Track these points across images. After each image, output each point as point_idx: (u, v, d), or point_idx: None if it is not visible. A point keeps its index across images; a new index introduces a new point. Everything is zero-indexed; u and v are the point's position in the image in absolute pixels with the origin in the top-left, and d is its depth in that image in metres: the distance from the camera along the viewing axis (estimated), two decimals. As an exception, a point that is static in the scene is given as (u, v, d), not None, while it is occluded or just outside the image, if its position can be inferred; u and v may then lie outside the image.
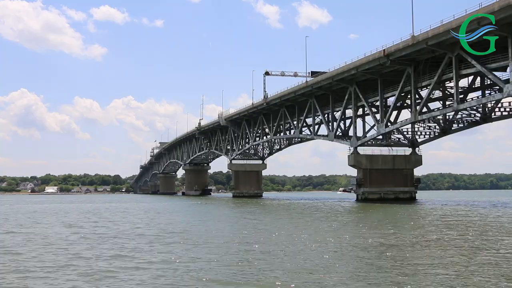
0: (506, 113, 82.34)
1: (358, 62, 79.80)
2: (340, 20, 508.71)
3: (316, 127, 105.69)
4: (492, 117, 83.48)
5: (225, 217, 53.00)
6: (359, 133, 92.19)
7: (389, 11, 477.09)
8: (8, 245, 27.78)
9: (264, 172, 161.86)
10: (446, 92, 78.05)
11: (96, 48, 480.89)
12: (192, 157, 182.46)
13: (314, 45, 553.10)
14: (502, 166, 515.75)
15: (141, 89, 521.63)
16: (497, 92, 70.00)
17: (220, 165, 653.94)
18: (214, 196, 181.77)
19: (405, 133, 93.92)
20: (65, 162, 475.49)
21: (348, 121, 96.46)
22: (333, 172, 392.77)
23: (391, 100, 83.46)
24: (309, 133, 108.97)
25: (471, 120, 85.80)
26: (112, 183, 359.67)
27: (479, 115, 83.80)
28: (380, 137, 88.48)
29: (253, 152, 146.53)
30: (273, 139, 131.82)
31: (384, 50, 73.44)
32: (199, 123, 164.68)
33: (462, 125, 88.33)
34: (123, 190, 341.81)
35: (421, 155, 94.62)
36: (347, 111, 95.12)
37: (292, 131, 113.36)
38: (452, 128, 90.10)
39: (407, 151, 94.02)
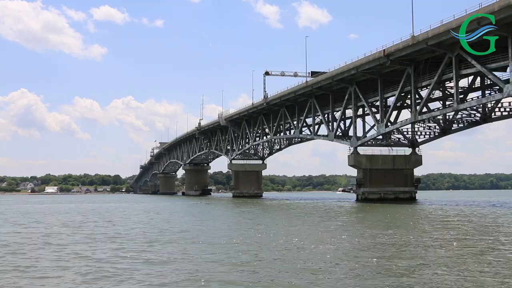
0: (506, 113, 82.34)
1: (358, 62, 79.81)
2: (340, 20, 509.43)
3: (316, 127, 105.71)
4: (492, 117, 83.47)
5: (225, 217, 52.99)
6: (359, 133, 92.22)
7: (389, 11, 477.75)
8: (8, 245, 27.76)
9: (264, 172, 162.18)
10: (446, 92, 78.05)
11: (96, 48, 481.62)
12: (192, 157, 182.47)
13: (314, 45, 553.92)
14: (502, 166, 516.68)
15: (141, 89, 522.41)
16: (497, 92, 70.00)
17: (220, 165, 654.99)
18: (214, 196, 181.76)
19: (405, 133, 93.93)
20: (65, 162, 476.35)
21: (348, 121, 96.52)
22: (333, 172, 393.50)
23: (391, 100, 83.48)
24: (309, 133, 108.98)
25: (471, 120, 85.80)
26: (112, 183, 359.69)
27: (479, 115, 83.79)
28: (380, 137, 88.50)
29: (253, 152, 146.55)
30: (273, 139, 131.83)
31: (384, 50, 73.45)
32: (199, 123, 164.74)
33: (462, 125, 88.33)
34: (123, 190, 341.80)
35: (421, 155, 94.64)
36: (347, 111, 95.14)
37: (292, 131, 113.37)
38: (452, 128, 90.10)
39: (407, 151, 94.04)
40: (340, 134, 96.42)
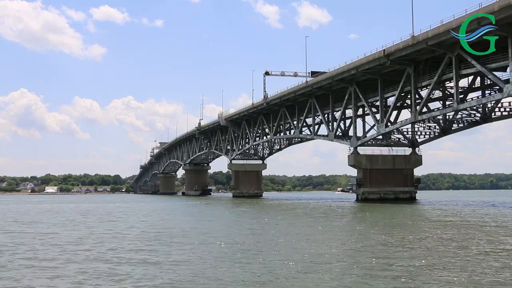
0: (506, 113, 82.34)
1: (358, 62, 79.79)
2: (340, 20, 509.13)
3: (316, 127, 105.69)
4: (492, 117, 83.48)
5: (225, 218, 53.01)
6: (359, 133, 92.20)
7: (389, 11, 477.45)
8: (8, 245, 27.77)
9: (264, 172, 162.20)
10: (446, 92, 78.04)
11: (96, 48, 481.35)
12: (192, 157, 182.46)
13: (314, 45, 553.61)
14: (502, 166, 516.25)
15: (141, 89, 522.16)
16: (497, 92, 69.99)
17: (220, 165, 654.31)
18: (214, 196, 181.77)
19: (405, 133, 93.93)
20: (65, 162, 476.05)
21: (348, 121, 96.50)
22: (333, 172, 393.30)
23: (391, 100, 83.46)
24: (309, 133, 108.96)
25: (471, 120, 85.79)
26: (112, 183, 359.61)
27: (479, 115, 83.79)
28: (380, 137, 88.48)
29: (253, 152, 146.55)
30: (273, 139, 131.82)
31: (384, 50, 73.43)
32: (199, 123, 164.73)
33: (462, 125, 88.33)
34: (123, 190, 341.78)
35: (421, 155, 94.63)
36: (347, 111, 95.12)
37: (292, 131, 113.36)
38: (452, 128, 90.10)
39: (407, 151, 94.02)
40: (340, 134, 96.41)
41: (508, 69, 62.37)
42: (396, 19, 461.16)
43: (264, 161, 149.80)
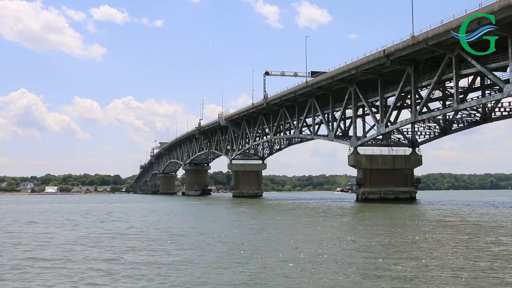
0: (506, 113, 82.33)
1: (358, 62, 79.77)
2: (340, 20, 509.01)
3: (316, 127, 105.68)
4: (492, 117, 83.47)
5: (224, 218, 53.00)
6: (359, 133, 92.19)
7: (389, 11, 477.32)
8: (7, 245, 27.76)
9: (264, 172, 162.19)
10: (446, 92, 78.02)
11: (96, 48, 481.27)
12: (192, 157, 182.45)
13: (314, 45, 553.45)
14: (502, 166, 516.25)
15: (141, 89, 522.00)
16: (497, 92, 69.97)
17: (220, 165, 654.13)
18: (214, 196, 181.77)
19: (405, 133, 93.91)
20: (65, 162, 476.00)
21: (348, 121, 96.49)
22: (333, 172, 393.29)
23: (391, 100, 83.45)
24: (309, 133, 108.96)
25: (471, 120, 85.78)
26: (112, 183, 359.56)
27: (479, 115, 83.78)
28: (380, 137, 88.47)
29: (253, 152, 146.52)
30: (273, 139, 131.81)
31: (384, 50, 73.42)
32: (199, 123, 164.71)
33: (462, 125, 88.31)
34: (123, 190, 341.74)
35: (421, 155, 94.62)
36: (347, 111, 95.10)
37: (292, 131, 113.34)
38: (452, 128, 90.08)
39: (407, 151, 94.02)
40: (340, 134, 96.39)
41: (508, 69, 62.35)
42: (396, 19, 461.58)
43: (264, 161, 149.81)
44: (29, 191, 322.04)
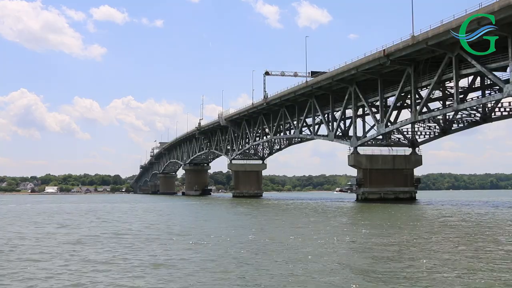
0: (506, 113, 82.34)
1: (358, 62, 79.78)
2: (340, 20, 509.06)
3: (316, 127, 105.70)
4: (492, 117, 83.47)
5: (224, 218, 52.99)
6: (359, 133, 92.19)
7: (389, 11, 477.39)
8: (6, 245, 27.75)
9: (264, 172, 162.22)
10: (446, 92, 78.03)
11: (96, 48, 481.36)
12: (192, 157, 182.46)
13: (314, 45, 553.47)
14: (502, 166, 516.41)
15: (141, 89, 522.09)
16: (497, 92, 69.98)
17: (220, 165, 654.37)
18: (214, 196, 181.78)
19: (405, 133, 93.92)
20: (65, 162, 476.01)
21: (348, 121, 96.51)
22: (333, 172, 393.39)
23: (391, 100, 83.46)
24: (309, 133, 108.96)
25: (471, 120, 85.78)
26: (112, 183, 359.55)
27: (479, 115, 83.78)
28: (380, 137, 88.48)
29: (253, 152, 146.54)
30: (273, 139, 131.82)
31: (384, 50, 73.42)
32: (199, 123, 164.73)
33: (462, 125, 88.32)
34: (123, 190, 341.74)
35: (421, 155, 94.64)
36: (347, 111, 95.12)
37: (292, 131, 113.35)
38: (452, 128, 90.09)
39: (407, 151, 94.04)
40: (340, 134, 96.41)
41: (508, 69, 62.36)
42: (396, 19, 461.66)
43: (264, 161, 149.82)
44: (29, 191, 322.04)
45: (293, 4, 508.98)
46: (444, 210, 60.54)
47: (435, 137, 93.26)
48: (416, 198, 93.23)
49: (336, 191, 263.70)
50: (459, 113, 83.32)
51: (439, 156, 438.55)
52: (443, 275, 17.45)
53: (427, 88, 74.99)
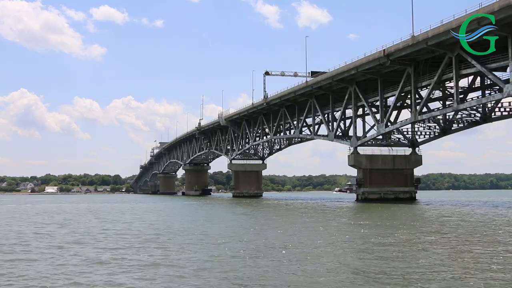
0: (506, 113, 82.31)
1: (358, 62, 79.76)
2: (340, 20, 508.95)
3: (316, 127, 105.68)
4: (492, 117, 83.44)
5: (224, 218, 52.97)
6: (359, 133, 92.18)
7: (389, 11, 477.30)
8: (6, 245, 27.74)
9: (264, 172, 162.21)
10: (446, 92, 78.01)
11: (96, 48, 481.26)
12: (192, 157, 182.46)
13: (314, 45, 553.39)
14: (502, 166, 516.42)
15: (141, 89, 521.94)
16: (497, 92, 69.96)
17: (220, 165, 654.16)
18: (214, 196, 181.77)
19: (405, 133, 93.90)
20: (65, 162, 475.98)
21: (348, 121, 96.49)
22: (333, 172, 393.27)
23: (391, 100, 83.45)
24: (309, 133, 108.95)
25: (471, 120, 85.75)
26: (112, 183, 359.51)
27: (479, 115, 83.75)
28: (380, 137, 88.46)
29: (253, 152, 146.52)
30: (273, 139, 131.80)
31: (384, 50, 73.40)
32: (199, 123, 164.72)
33: (462, 125, 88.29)
34: (123, 190, 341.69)
35: (421, 155, 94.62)
36: (347, 111, 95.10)
37: (292, 131, 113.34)
38: (452, 128, 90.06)
39: (407, 151, 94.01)
40: (340, 134, 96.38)
41: (508, 69, 62.34)
42: (396, 19, 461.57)
43: (264, 161, 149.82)
44: (29, 191, 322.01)
45: (293, 4, 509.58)
46: (444, 210, 60.53)
47: (435, 137, 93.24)
48: (416, 198, 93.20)
49: (336, 191, 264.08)
50: (459, 113, 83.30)
51: (439, 156, 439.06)
52: (442, 275, 17.44)
53: (427, 88, 74.97)
